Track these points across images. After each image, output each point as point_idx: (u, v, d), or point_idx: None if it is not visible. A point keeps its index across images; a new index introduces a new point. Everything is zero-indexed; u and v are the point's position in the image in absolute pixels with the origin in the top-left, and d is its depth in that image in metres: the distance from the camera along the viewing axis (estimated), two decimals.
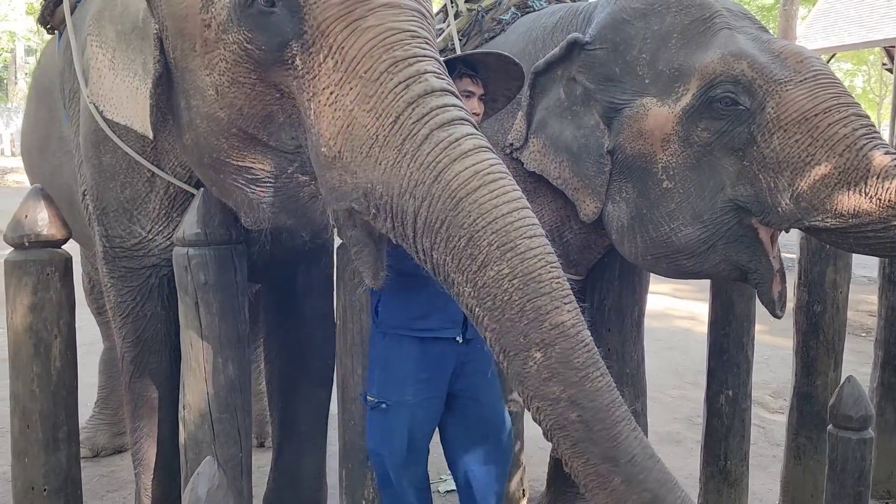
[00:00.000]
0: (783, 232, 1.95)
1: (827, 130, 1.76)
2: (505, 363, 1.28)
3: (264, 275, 2.15)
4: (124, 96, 1.63)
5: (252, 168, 1.55)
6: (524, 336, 1.22)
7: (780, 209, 1.85)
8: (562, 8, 2.33)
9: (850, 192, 1.75)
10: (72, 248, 2.09)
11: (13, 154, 20.49)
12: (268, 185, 1.56)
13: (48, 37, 2.46)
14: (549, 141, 2.09)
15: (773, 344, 4.84)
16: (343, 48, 1.34)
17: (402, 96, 1.31)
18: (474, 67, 1.86)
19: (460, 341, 1.93)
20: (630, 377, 2.47)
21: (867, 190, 1.74)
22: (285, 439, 2.34)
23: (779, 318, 1.98)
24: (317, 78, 1.37)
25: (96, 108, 1.77)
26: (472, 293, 1.26)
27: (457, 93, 1.37)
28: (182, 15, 1.49)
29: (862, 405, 2.05)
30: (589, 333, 1.26)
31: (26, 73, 24.90)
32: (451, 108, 1.32)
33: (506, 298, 1.23)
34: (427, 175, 1.27)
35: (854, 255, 2.59)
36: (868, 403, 2.08)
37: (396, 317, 1.91)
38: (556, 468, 2.87)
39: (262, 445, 3.31)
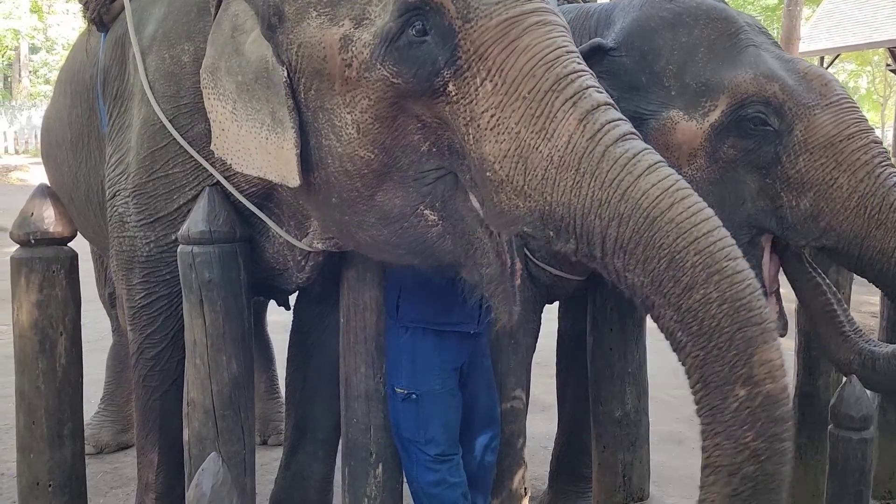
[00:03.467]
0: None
1: (850, 156, 1.83)
2: (701, 393, 1.24)
3: (305, 287, 2.16)
4: (252, 148, 1.60)
5: (382, 207, 1.53)
6: (730, 368, 1.18)
7: (799, 227, 1.93)
8: (573, 8, 2.32)
9: (865, 218, 1.85)
10: (77, 245, 2.10)
11: (17, 152, 20.52)
12: (397, 225, 1.55)
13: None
14: None
15: None
16: (503, 70, 1.34)
17: (571, 114, 1.30)
18: None
19: (472, 333, 2.04)
20: (632, 376, 2.48)
21: (880, 217, 1.83)
22: (300, 442, 2.35)
23: (782, 336, 2.00)
24: (474, 102, 1.36)
25: (172, 123, 1.81)
26: (675, 317, 1.23)
27: (616, 105, 1.36)
28: (320, 56, 1.49)
29: (863, 405, 2.05)
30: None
31: (30, 71, 24.94)
32: (620, 122, 1.32)
33: (714, 325, 1.19)
34: (611, 194, 1.26)
35: None
36: (869, 403, 2.09)
37: (418, 312, 1.99)
38: (558, 467, 2.88)
39: (264, 443, 3.32)
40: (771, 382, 1.17)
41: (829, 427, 2.13)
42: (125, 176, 1.97)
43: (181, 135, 1.84)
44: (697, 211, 1.24)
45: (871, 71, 27.97)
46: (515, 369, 2.24)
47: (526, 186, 1.33)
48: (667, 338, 1.28)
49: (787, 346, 3.13)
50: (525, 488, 2.31)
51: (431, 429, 1.99)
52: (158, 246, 1.95)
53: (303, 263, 1.98)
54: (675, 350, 1.25)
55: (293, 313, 2.39)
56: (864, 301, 5.42)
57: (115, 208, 2.01)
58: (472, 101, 1.37)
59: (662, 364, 4.64)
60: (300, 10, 1.52)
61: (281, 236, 1.92)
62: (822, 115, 1.86)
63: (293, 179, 1.55)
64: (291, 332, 2.40)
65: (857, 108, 1.90)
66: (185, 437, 1.91)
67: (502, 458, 2.23)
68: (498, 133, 1.34)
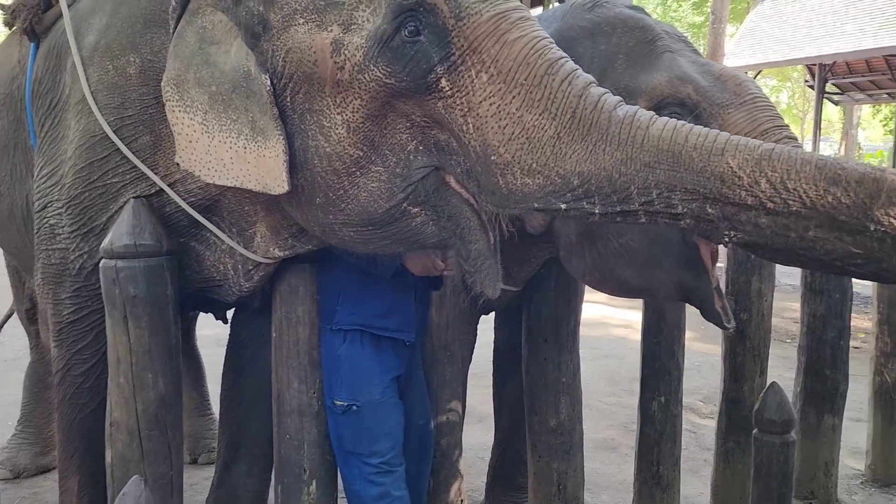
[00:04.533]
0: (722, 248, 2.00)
1: None
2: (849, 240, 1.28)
3: (242, 302, 2.13)
4: (227, 158, 1.61)
5: (367, 208, 1.57)
6: (854, 202, 1.24)
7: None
8: None
9: None
10: None
11: None
12: (381, 221, 1.60)
13: None
14: None
15: (705, 351, 4.99)
16: (497, 60, 1.43)
17: (570, 92, 1.40)
18: None
19: (407, 343, 2.04)
20: (566, 386, 2.50)
21: None
22: (234, 459, 2.30)
23: (728, 329, 2.03)
24: (471, 93, 1.44)
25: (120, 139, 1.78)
26: (766, 214, 1.30)
27: None
28: (310, 60, 1.52)
29: (784, 410, 2.13)
30: None
31: None
32: (608, 92, 1.43)
33: (805, 187, 1.26)
34: (630, 150, 1.35)
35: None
36: (790, 408, 2.16)
37: (357, 315, 1.98)
38: (494, 477, 2.89)
39: (195, 462, 3.23)
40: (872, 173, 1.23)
41: (754, 432, 2.20)
42: (59, 187, 1.92)
43: (125, 146, 1.81)
44: (707, 132, 1.35)
45: (791, 86, 29.31)
46: (451, 381, 2.25)
47: (535, 164, 1.41)
48: (763, 245, 1.35)
49: (715, 351, 3.24)
50: (462, 500, 2.31)
51: (375, 440, 1.98)
52: (92, 258, 1.90)
53: (252, 272, 1.95)
54: (791, 253, 1.33)
55: (230, 327, 2.35)
56: (787, 307, 5.65)
57: (45, 220, 1.95)
58: (468, 93, 1.44)
59: (596, 372, 4.76)
60: (286, 17, 1.55)
61: (222, 246, 1.90)
62: (736, 113, 1.88)
63: (279, 186, 1.58)
64: (228, 346, 2.35)
65: (771, 106, 1.93)
66: (108, 458, 1.84)
67: (438, 471, 2.23)
68: (500, 119, 1.42)
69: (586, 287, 2.59)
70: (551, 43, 1.47)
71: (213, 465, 2.42)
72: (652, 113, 1.40)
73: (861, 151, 25.51)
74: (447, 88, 1.45)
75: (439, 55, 1.45)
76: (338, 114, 1.52)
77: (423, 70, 1.45)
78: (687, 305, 2.54)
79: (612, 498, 3.07)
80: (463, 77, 1.44)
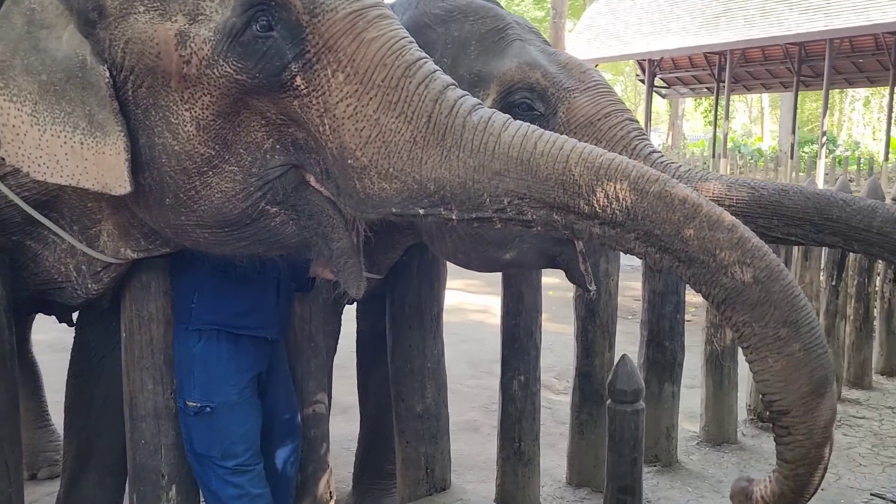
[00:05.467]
0: None
1: (608, 132, 1.96)
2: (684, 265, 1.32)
3: (90, 303, 1.98)
4: (61, 154, 1.45)
5: (221, 209, 1.50)
6: (671, 217, 1.30)
7: None
8: None
9: None
10: None
11: None
12: (237, 222, 1.53)
13: None
14: None
15: (557, 330, 5.23)
16: (354, 60, 1.39)
17: (426, 96, 1.38)
18: None
19: (269, 339, 2.00)
20: (431, 371, 2.55)
21: None
22: (83, 471, 2.15)
23: (591, 292, 2.14)
24: (327, 93, 1.39)
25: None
26: (611, 225, 1.33)
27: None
28: (153, 53, 1.42)
29: (634, 380, 2.28)
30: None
31: None
32: (467, 96, 1.42)
33: (638, 201, 1.30)
34: (482, 157, 1.35)
35: None
36: (639, 378, 2.32)
37: (215, 314, 1.91)
38: (362, 467, 2.89)
39: (34, 477, 2.97)
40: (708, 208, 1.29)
41: (607, 402, 2.34)
42: None
43: None
44: (555, 139, 1.37)
45: (624, 80, 31.31)
46: (316, 373, 2.21)
47: (391, 168, 1.38)
48: (618, 248, 1.38)
49: (566, 330, 3.42)
50: (330, 492, 2.29)
51: (229, 441, 1.91)
52: None
53: (100, 274, 1.81)
54: (634, 253, 1.35)
55: (76, 330, 2.18)
56: (628, 286, 6.05)
57: None
58: (324, 93, 1.40)
59: (457, 356, 4.86)
60: (125, 4, 1.43)
61: (62, 245, 1.75)
62: (581, 97, 1.99)
63: (120, 186, 1.46)
64: (74, 350, 2.19)
65: (613, 91, 2.05)
66: None
67: (306, 464, 2.19)
68: (357, 121, 1.39)
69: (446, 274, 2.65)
70: (410, 43, 1.45)
71: (57, 480, 2.24)
72: (507, 117, 1.41)
73: (685, 141, 27.78)
74: (302, 87, 1.41)
75: (293, 52, 1.40)
76: (186, 110, 1.43)
77: (277, 67, 1.39)
78: (543, 288, 2.67)
79: (477, 476, 3.16)
80: (319, 76, 1.40)
